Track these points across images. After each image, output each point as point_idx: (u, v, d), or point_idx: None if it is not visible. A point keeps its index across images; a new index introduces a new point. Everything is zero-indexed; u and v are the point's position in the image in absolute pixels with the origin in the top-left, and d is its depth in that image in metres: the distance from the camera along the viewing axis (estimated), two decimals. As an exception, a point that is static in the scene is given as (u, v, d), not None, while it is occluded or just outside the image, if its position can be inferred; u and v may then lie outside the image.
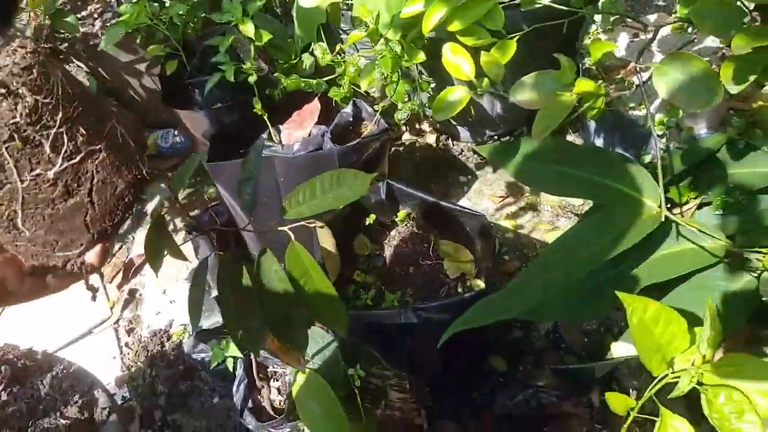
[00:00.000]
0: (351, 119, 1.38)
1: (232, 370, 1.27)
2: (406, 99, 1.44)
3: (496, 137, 1.83)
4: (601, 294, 0.85)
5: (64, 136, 0.39)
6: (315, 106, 1.43)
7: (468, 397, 1.26)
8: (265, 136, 1.39)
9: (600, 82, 0.69)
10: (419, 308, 0.96)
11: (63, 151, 0.39)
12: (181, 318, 1.66)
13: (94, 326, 1.74)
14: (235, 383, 1.26)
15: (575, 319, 1.18)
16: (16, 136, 0.36)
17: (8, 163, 0.36)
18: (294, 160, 1.25)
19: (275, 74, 1.42)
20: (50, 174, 0.39)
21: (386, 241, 1.25)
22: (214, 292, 1.56)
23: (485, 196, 1.71)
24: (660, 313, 0.57)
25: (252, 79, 1.35)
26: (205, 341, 1.32)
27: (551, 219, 1.61)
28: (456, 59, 0.79)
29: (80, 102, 0.40)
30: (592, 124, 1.35)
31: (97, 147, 0.41)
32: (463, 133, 1.83)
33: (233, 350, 1.24)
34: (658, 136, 1.01)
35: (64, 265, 0.46)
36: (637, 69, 0.71)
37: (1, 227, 0.42)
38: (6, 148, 0.36)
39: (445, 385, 1.25)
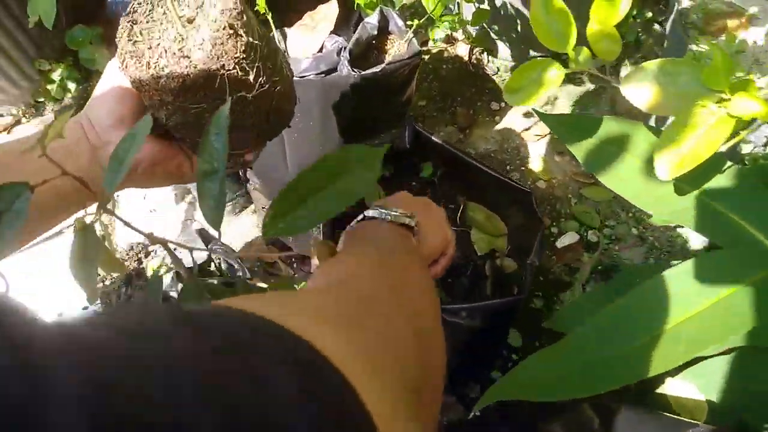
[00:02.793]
0: (375, 32, 1.11)
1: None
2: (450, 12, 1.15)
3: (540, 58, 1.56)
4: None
5: (260, 69, 0.48)
6: (332, 8, 1.14)
7: (485, 379, 1.13)
8: (267, 41, 1.12)
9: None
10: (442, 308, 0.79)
11: (259, 80, 0.48)
12: (161, 231, 1.48)
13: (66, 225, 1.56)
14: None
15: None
16: (237, 68, 0.46)
17: (226, 85, 0.46)
18: (301, 84, 1.00)
19: (286, -40, 1.12)
20: (249, 96, 0.48)
21: (403, 196, 1.04)
22: (200, 220, 1.38)
23: (518, 132, 1.47)
24: None
25: (256, -36, 1.05)
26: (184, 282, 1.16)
27: (592, 170, 1.39)
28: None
29: (265, 41, 0.49)
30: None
31: (277, 79, 0.51)
32: (503, 49, 1.54)
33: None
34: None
35: (229, 158, 0.54)
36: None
37: (194, 128, 0.52)
38: (227, 75, 0.46)
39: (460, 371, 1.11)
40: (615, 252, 1.30)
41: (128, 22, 0.49)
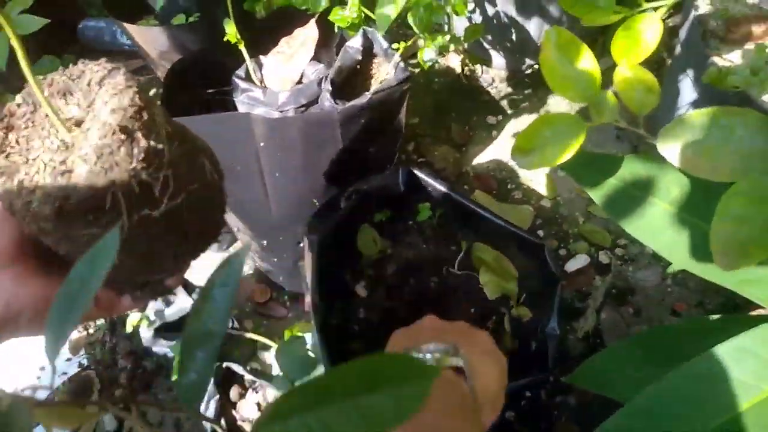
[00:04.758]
0: (359, 57, 1.02)
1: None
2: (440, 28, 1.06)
3: (537, 66, 1.47)
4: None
5: (170, 178, 0.38)
6: (311, 32, 1.05)
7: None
8: (241, 72, 1.03)
9: None
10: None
11: (168, 192, 0.38)
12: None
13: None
14: (204, 400, 1.02)
15: None
16: (134, 181, 0.36)
17: (122, 205, 0.36)
18: (280, 121, 0.91)
19: (258, -18, 1.02)
20: (155, 214, 0.38)
21: (399, 238, 0.95)
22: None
23: (519, 147, 1.38)
24: None
25: (224, -10, 0.96)
26: (167, 338, 1.06)
27: (599, 184, 1.30)
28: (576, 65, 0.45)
29: (179, 141, 0.39)
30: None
31: (195, 186, 0.41)
32: (497, 59, 1.45)
33: (200, 363, 0.99)
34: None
35: (143, 286, 0.46)
36: None
37: None
38: (122, 193, 0.35)
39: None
40: (629, 273, 1.21)
41: (2, 129, 0.38)
